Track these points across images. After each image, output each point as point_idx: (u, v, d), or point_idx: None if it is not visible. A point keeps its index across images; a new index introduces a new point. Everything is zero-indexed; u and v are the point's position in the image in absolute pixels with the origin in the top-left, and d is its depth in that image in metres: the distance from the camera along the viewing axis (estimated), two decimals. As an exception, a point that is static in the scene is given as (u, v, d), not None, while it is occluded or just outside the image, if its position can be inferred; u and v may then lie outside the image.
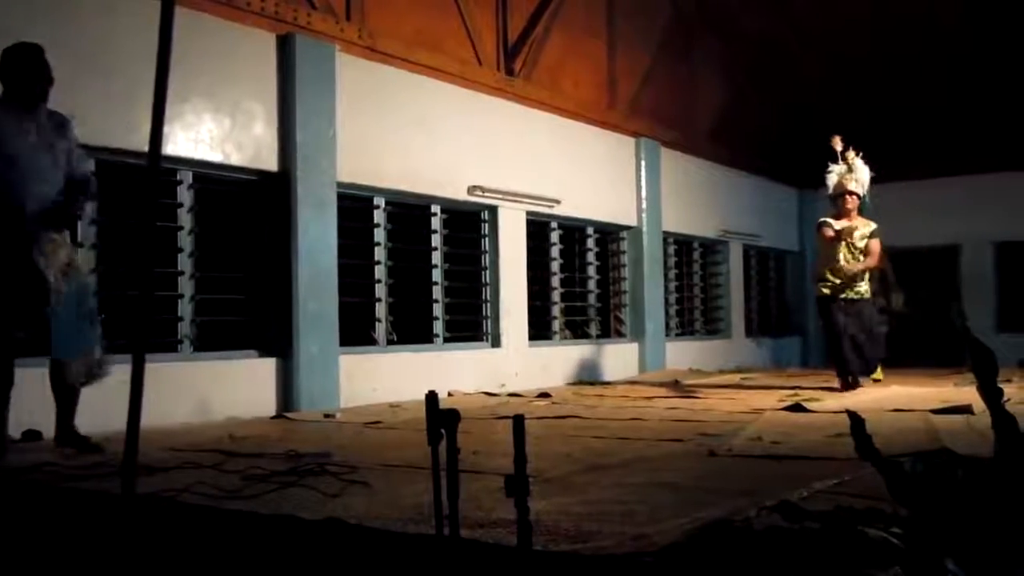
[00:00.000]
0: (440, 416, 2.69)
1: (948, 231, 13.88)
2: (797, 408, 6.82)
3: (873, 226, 8.69)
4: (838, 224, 8.62)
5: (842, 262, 8.51)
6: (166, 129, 3.94)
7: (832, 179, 8.88)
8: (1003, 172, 13.42)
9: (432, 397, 2.73)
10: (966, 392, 7.06)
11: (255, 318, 7.55)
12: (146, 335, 3.62)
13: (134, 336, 4.55)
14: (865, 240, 8.60)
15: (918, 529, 2.39)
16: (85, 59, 6.29)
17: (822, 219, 8.81)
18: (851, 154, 8.86)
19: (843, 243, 8.54)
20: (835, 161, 8.92)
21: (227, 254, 7.47)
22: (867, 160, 8.90)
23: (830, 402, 7.28)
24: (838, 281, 8.54)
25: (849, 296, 8.58)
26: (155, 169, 3.40)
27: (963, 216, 13.66)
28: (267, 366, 7.45)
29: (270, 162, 7.52)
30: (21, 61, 5.02)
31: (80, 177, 5.17)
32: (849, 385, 8.45)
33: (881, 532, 2.43)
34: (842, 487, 3.51)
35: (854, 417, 2.57)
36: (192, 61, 6.60)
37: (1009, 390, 5.24)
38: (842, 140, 8.93)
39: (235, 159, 7.28)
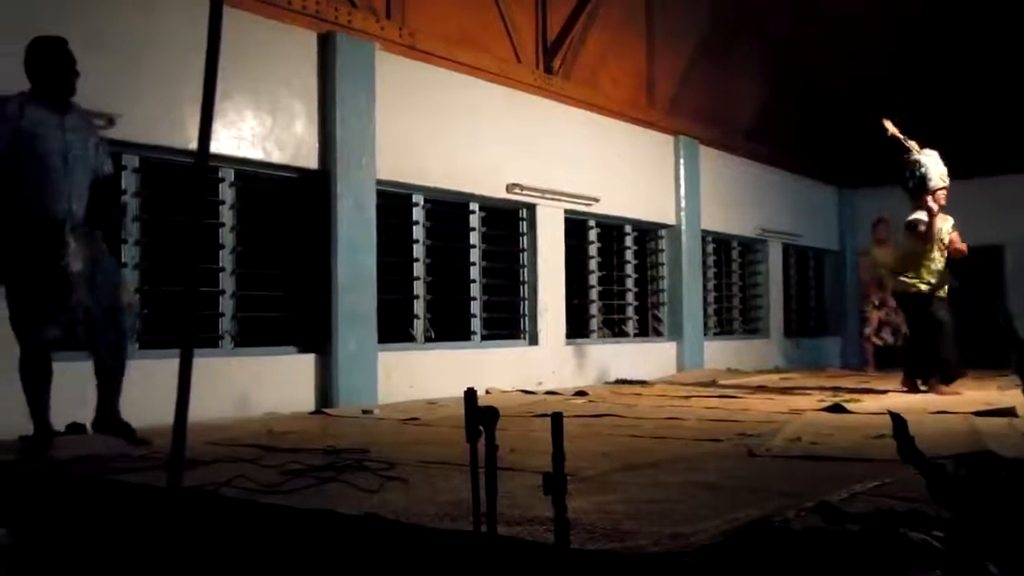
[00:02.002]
0: (479, 413, 2.70)
1: (991, 231, 13.66)
2: (837, 409, 6.75)
3: (951, 220, 8.40)
4: (938, 221, 8.21)
5: (937, 257, 8.20)
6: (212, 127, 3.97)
7: (931, 171, 8.27)
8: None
9: (471, 394, 2.74)
10: (1010, 394, 6.97)
11: (295, 314, 7.61)
12: (193, 330, 3.65)
13: (181, 331, 4.61)
14: (947, 235, 8.33)
15: (960, 532, 2.36)
16: (126, 58, 6.38)
17: (916, 218, 8.26)
18: (914, 143, 8.44)
19: (937, 240, 8.23)
20: (902, 151, 8.43)
21: (268, 251, 7.54)
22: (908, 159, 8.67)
23: (870, 403, 7.21)
24: (934, 280, 8.21)
25: (941, 295, 8.28)
26: (203, 167, 3.43)
27: (1006, 216, 13.46)
28: (306, 362, 7.51)
29: (310, 160, 7.58)
30: (46, 55, 4.98)
31: (104, 177, 5.14)
32: (917, 387, 8.18)
33: (922, 535, 2.41)
34: (883, 489, 3.47)
35: (896, 418, 2.55)
36: (234, 59, 6.66)
37: (1054, 393, 5.16)
38: (894, 123, 8.51)
39: (276, 157, 7.35)
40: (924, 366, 8.29)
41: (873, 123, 8.78)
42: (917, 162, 8.31)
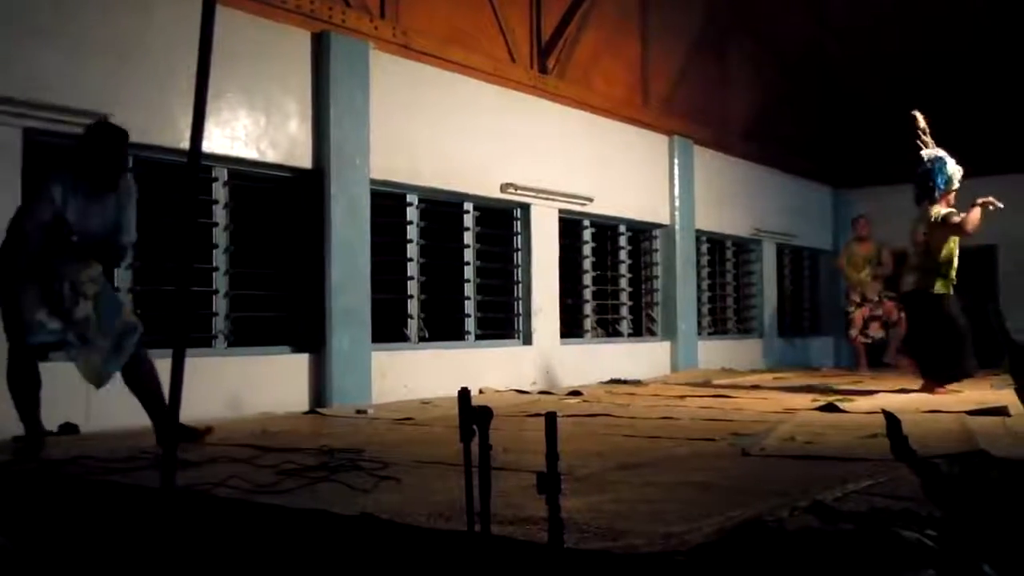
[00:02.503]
0: (472, 413, 2.70)
1: (985, 231, 13.68)
2: (830, 408, 6.77)
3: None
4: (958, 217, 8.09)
5: (956, 254, 8.13)
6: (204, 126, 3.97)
7: (955, 170, 8.19)
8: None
9: (465, 394, 2.74)
10: (1003, 394, 6.99)
11: (289, 314, 7.60)
12: (185, 330, 3.65)
13: (173, 331, 4.61)
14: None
15: (953, 531, 2.37)
16: (120, 56, 6.37)
17: (950, 211, 8.07)
18: (931, 141, 8.35)
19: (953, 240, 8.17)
20: (922, 144, 8.33)
21: (261, 251, 7.53)
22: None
23: (863, 402, 7.22)
24: (955, 280, 8.15)
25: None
26: (195, 167, 3.43)
27: (1000, 216, 13.45)
28: (300, 362, 7.50)
29: (304, 159, 7.57)
30: (106, 147, 5.00)
31: (121, 245, 5.12)
32: (944, 387, 8.04)
33: (916, 534, 2.41)
34: (876, 488, 3.48)
35: (890, 418, 2.55)
36: (228, 58, 6.65)
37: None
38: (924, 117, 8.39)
39: (270, 156, 7.34)
40: (943, 366, 8.14)
41: (869, 123, 8.76)
42: (943, 160, 8.22)
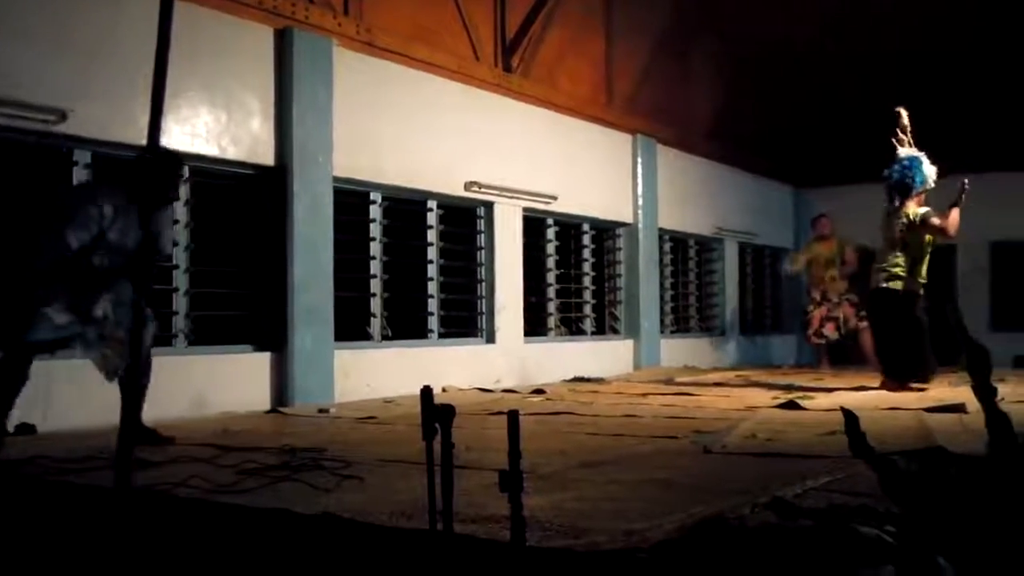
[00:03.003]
0: (435, 412, 2.69)
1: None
2: (791, 406, 6.82)
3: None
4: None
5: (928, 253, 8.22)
6: (162, 122, 3.93)
7: (930, 170, 8.26)
8: (998, 172, 13.41)
9: (427, 393, 2.73)
10: (961, 391, 7.08)
11: (250, 313, 7.54)
12: (140, 329, 3.62)
13: (131, 329, 4.56)
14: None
15: (911, 527, 2.39)
16: (79, 52, 6.30)
17: (928, 210, 8.15)
18: (908, 140, 8.41)
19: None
20: (899, 143, 8.39)
21: (223, 248, 7.46)
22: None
23: (823, 400, 7.29)
24: (924, 279, 8.22)
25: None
26: (152, 161, 3.39)
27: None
28: (262, 361, 7.45)
29: (267, 156, 7.52)
30: (163, 171, 5.08)
31: (163, 256, 5.40)
32: (906, 386, 8.04)
33: (874, 530, 2.44)
34: (836, 485, 3.52)
35: (848, 415, 2.58)
36: (189, 54, 6.59)
37: (1003, 389, 5.25)
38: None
39: (231, 153, 7.28)
40: (907, 365, 8.19)
41: (829, 122, 8.82)
42: (919, 159, 8.27)
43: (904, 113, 8.43)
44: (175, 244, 5.42)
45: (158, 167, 5.03)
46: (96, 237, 4.92)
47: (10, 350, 4.91)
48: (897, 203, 8.28)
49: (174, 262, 7.00)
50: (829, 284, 11.87)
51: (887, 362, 8.46)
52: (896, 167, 8.36)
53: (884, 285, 8.23)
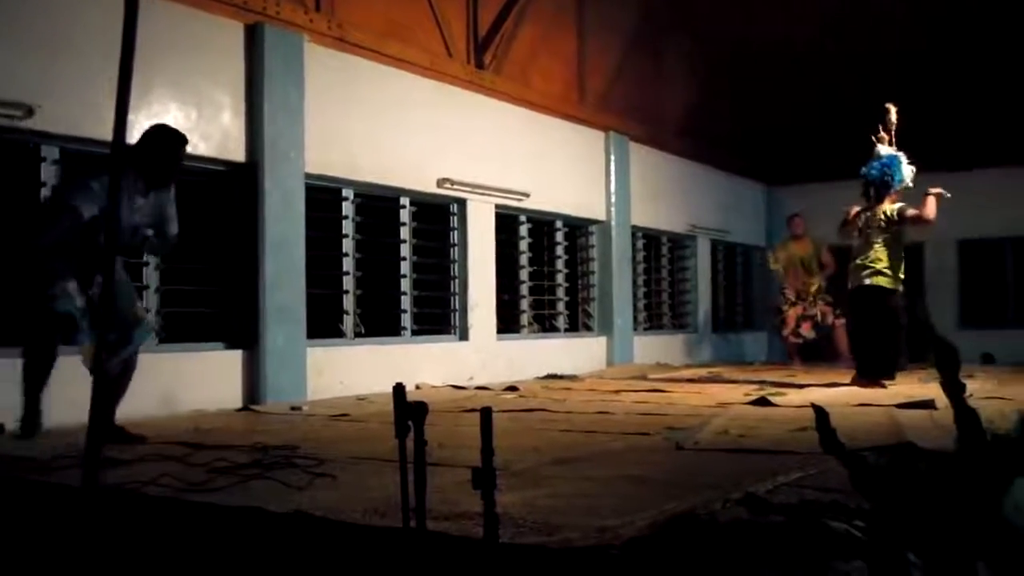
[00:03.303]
0: (408, 409, 2.69)
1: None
2: (762, 402, 6.87)
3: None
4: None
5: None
6: (131, 118, 3.89)
7: (908, 170, 8.40)
8: (965, 171, 13.54)
9: (400, 390, 2.72)
10: (930, 387, 7.14)
11: (221, 310, 7.49)
12: (108, 326, 3.60)
13: (97, 327, 4.52)
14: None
15: (881, 522, 2.41)
16: (50, 46, 6.24)
17: (903, 206, 8.29)
18: (888, 138, 8.52)
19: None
20: (879, 140, 8.51)
21: (193, 245, 7.39)
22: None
23: (794, 396, 7.34)
24: (903, 275, 8.35)
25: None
26: (118, 159, 3.36)
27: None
28: (233, 358, 7.40)
29: (237, 153, 7.47)
30: (168, 148, 5.17)
31: (170, 237, 5.34)
32: (878, 383, 8.10)
33: (844, 525, 2.45)
34: (806, 480, 3.54)
35: (819, 411, 2.59)
36: (158, 50, 6.54)
37: (971, 385, 5.29)
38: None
39: (202, 149, 7.22)
40: (881, 361, 8.24)
41: (800, 121, 8.89)
42: (898, 158, 8.39)
43: (893, 109, 8.53)
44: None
45: (162, 144, 5.16)
46: (102, 211, 4.88)
47: (36, 325, 4.94)
48: (873, 200, 8.39)
49: (144, 259, 6.94)
50: (809, 284, 11.93)
51: (862, 359, 8.52)
52: (876, 164, 8.46)
53: (867, 283, 8.30)
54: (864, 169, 8.54)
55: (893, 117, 8.52)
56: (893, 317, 8.29)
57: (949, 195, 8.28)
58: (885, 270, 8.25)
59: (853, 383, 8.26)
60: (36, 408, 5.02)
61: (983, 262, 14.62)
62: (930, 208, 8.19)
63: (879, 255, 8.26)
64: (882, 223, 8.28)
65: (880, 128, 8.55)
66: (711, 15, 13.37)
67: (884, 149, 8.48)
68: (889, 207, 8.28)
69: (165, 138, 5.23)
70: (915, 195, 8.39)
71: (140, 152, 5.12)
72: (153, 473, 3.86)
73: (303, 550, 3.01)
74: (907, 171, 8.41)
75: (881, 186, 8.39)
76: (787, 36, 13.69)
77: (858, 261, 8.43)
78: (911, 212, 8.20)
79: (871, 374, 8.23)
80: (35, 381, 5.00)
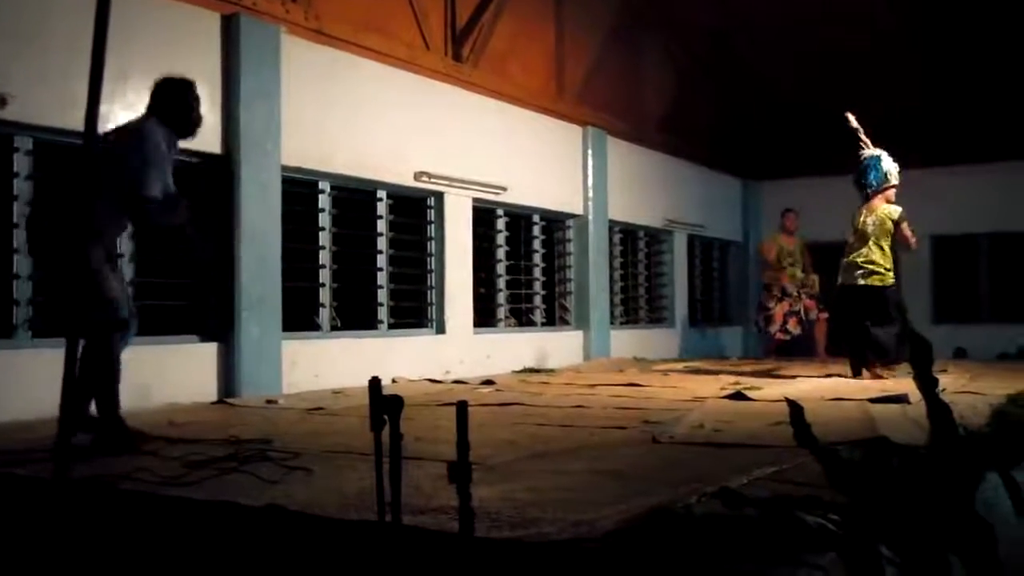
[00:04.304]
0: (383, 403, 2.68)
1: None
2: (738, 396, 6.90)
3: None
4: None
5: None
6: (104, 109, 3.86)
7: (893, 167, 8.64)
8: (938, 167, 13.66)
9: (375, 383, 2.72)
10: (903, 382, 7.20)
11: (196, 302, 7.44)
12: (78, 318, 3.57)
13: (66, 318, 4.47)
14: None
15: (854, 515, 2.43)
16: (21, 34, 6.17)
17: (900, 208, 8.56)
18: (867, 140, 8.75)
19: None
20: (857, 144, 8.73)
21: (168, 237, 7.34)
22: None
23: (769, 391, 7.37)
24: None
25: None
26: (91, 149, 3.33)
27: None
28: (208, 351, 7.36)
29: (213, 144, 7.40)
30: (190, 96, 5.05)
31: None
32: (878, 375, 8.33)
33: (818, 518, 2.47)
34: (781, 474, 3.56)
35: (793, 405, 2.61)
36: (133, 39, 6.48)
37: (944, 380, 5.33)
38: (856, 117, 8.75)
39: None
40: (888, 352, 8.39)
41: (777, 116, 9.02)
42: (879, 158, 8.61)
43: (851, 117, 8.73)
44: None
45: (185, 92, 5.04)
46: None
47: (104, 332, 4.68)
48: (863, 200, 8.65)
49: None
50: (795, 280, 11.95)
51: (859, 354, 8.63)
52: (858, 168, 8.74)
53: (861, 283, 8.52)
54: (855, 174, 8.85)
55: (854, 123, 8.73)
56: (888, 311, 8.47)
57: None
58: (878, 269, 8.46)
59: (856, 376, 8.47)
60: (122, 421, 4.75)
61: (956, 257, 14.76)
62: (914, 242, 8.63)
63: (872, 255, 8.48)
64: (877, 223, 8.50)
65: (856, 135, 8.78)
66: (689, 9, 13.38)
67: (867, 152, 8.72)
68: (885, 210, 8.52)
69: (186, 87, 5.06)
70: (904, 193, 8.73)
71: (165, 108, 4.98)
72: (127, 467, 3.83)
73: (278, 544, 3.00)
74: (888, 167, 8.61)
75: (860, 187, 8.68)
76: (765, 31, 13.73)
77: (851, 258, 8.64)
78: (905, 231, 8.49)
79: (865, 365, 8.45)
80: (114, 394, 4.74)
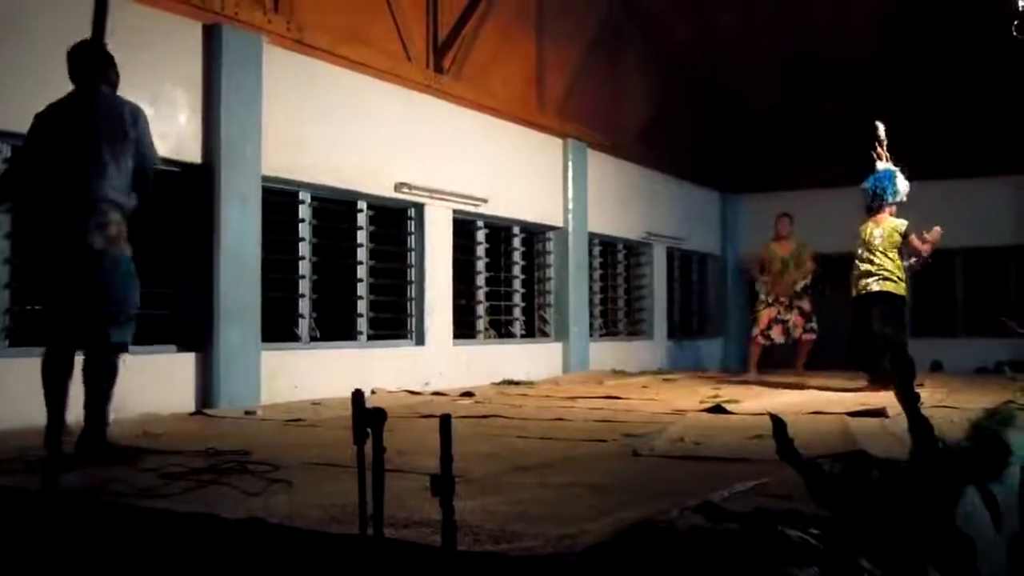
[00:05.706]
0: (367, 415, 2.67)
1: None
2: (718, 410, 6.91)
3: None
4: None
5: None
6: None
7: (904, 186, 8.90)
8: (913, 182, 13.75)
9: (358, 396, 2.71)
10: (882, 395, 7.25)
11: (175, 312, 7.40)
12: (59, 327, 3.54)
13: (46, 328, 4.44)
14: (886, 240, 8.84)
15: (835, 529, 2.44)
16: None
17: (909, 224, 8.81)
18: (885, 154, 8.95)
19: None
20: (878, 156, 8.95)
21: (146, 245, 7.29)
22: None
23: (749, 404, 7.40)
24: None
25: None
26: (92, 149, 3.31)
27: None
28: (186, 361, 7.31)
29: (193, 154, 7.38)
30: (73, 58, 5.02)
31: (144, 171, 5.21)
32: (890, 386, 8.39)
33: (800, 532, 2.47)
34: (762, 488, 3.57)
35: (776, 419, 2.62)
36: (114, 49, 6.43)
37: (922, 394, 5.37)
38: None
39: (157, 149, 7.11)
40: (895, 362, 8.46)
41: (756, 130, 9.13)
42: (895, 173, 8.85)
43: (882, 127, 8.96)
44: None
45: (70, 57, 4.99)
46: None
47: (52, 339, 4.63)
48: (873, 212, 8.86)
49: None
50: (788, 287, 11.70)
51: (871, 364, 8.67)
52: (871, 179, 8.94)
53: (876, 288, 8.65)
54: (864, 184, 9.02)
55: (882, 134, 8.95)
56: (898, 318, 8.66)
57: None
58: (892, 276, 8.64)
59: (867, 388, 8.47)
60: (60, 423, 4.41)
61: (933, 273, 14.85)
62: (929, 248, 8.72)
63: (886, 263, 8.68)
64: (883, 236, 8.70)
65: (876, 145, 8.98)
66: (669, 24, 13.46)
67: (881, 165, 8.94)
68: (893, 222, 8.74)
69: (83, 49, 4.86)
70: (910, 209, 8.97)
71: (115, 77, 5.14)
72: (103, 478, 3.80)
73: (258, 557, 2.98)
74: (902, 186, 8.87)
75: (874, 199, 8.88)
76: (746, 46, 13.82)
77: (863, 269, 8.78)
78: (915, 242, 8.68)
79: (884, 378, 8.31)
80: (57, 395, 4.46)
